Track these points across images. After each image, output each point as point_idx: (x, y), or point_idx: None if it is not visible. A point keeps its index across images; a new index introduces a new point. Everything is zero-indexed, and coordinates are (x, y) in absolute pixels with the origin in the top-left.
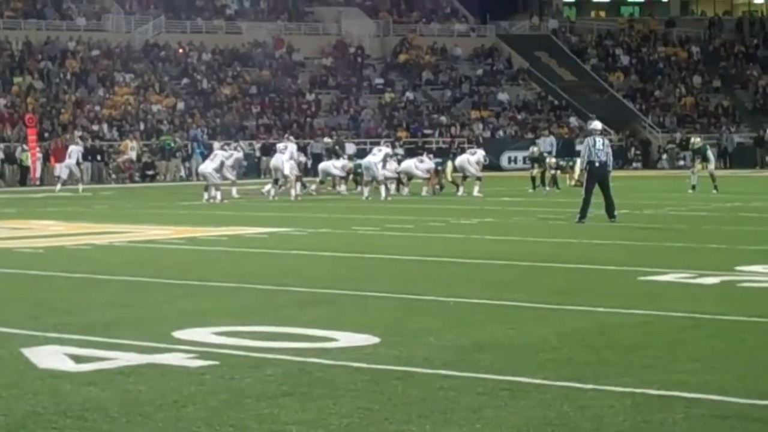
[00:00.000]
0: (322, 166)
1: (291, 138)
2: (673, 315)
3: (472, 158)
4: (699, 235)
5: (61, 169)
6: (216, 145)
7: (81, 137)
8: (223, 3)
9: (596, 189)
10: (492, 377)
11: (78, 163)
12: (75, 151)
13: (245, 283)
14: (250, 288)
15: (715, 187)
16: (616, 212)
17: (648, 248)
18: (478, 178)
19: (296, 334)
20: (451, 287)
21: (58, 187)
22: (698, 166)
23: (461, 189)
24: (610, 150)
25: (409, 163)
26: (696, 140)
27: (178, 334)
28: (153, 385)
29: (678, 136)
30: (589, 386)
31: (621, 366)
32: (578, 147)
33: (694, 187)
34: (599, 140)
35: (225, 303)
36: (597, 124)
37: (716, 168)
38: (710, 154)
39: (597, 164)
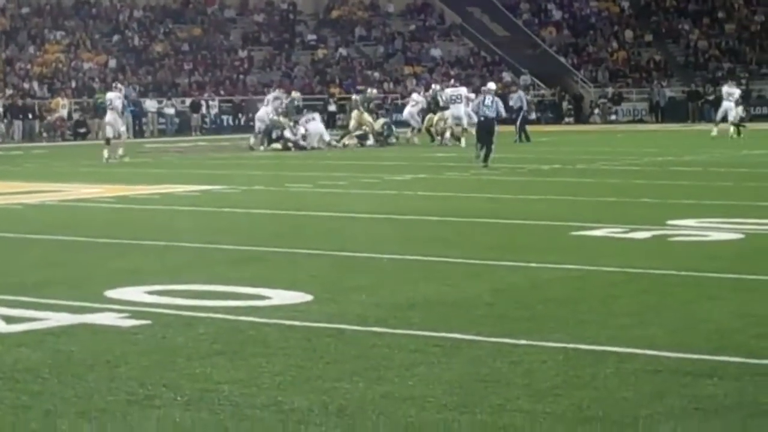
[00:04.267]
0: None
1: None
2: (605, 270)
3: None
4: (631, 189)
5: None
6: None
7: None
8: None
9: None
10: (425, 334)
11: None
12: None
13: (177, 242)
14: (183, 246)
15: None
16: (490, 159)
17: (580, 203)
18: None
19: (229, 292)
20: (384, 244)
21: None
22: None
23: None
24: (497, 106)
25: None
26: None
27: (110, 293)
28: (85, 345)
29: (610, 90)
30: (522, 342)
31: (554, 321)
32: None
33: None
34: (488, 98)
35: (157, 262)
36: (491, 85)
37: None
38: None
39: (483, 119)
